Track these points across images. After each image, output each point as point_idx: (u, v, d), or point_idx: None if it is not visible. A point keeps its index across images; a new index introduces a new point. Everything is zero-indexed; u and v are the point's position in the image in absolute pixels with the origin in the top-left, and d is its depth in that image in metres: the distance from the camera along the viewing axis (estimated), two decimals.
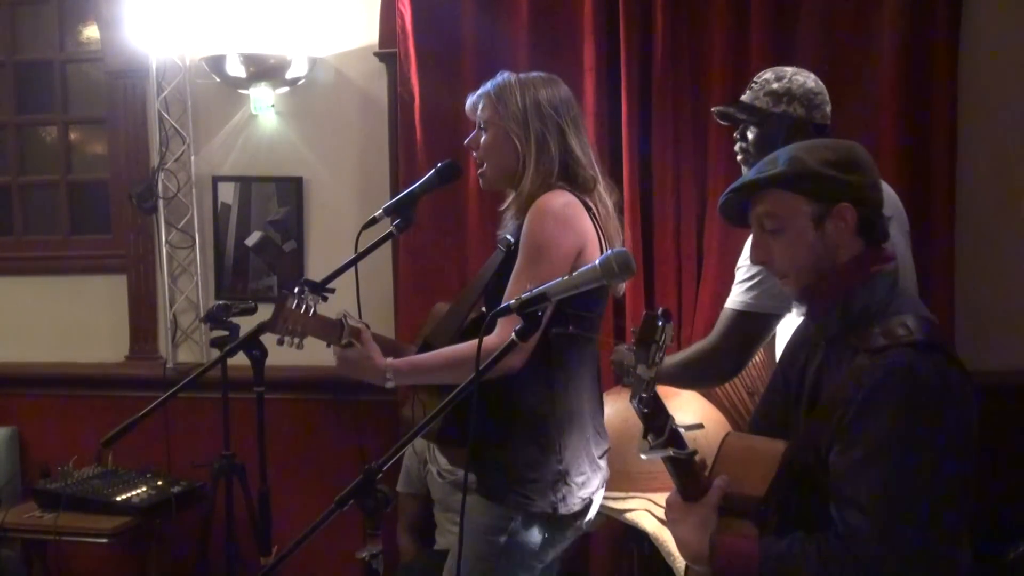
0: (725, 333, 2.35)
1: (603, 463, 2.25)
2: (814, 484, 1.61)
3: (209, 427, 3.31)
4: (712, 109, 2.52)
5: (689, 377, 2.49)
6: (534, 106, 2.19)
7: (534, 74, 2.27)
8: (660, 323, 1.53)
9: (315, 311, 2.16)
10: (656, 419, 1.60)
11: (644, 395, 1.57)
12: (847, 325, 1.66)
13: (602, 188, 2.25)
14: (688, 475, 1.67)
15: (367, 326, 2.21)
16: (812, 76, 2.40)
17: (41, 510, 3.49)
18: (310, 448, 3.69)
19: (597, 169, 2.26)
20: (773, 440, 1.73)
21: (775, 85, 2.36)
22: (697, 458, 1.68)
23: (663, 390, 2.59)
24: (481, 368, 1.72)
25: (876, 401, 1.54)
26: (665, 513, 1.74)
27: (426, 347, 2.28)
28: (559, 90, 2.24)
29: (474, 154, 2.29)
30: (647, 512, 2.48)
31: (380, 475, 1.64)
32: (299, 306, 2.14)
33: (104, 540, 3.37)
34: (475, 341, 2.08)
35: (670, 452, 1.61)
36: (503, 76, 2.25)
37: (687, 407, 2.62)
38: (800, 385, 1.77)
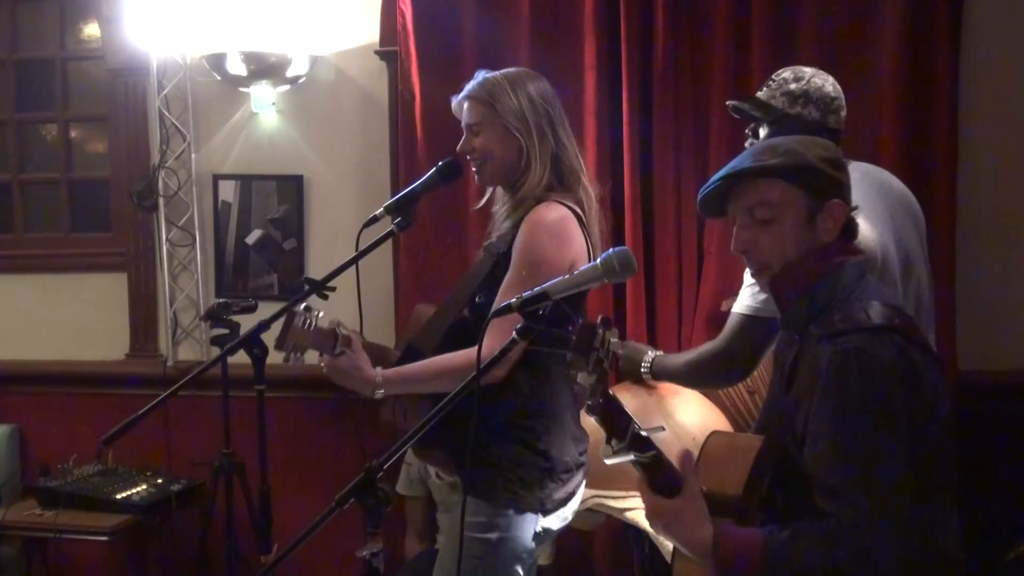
0: (733, 337, 2.35)
1: (584, 459, 2.29)
2: (792, 472, 1.63)
3: (209, 425, 3.30)
4: (728, 103, 2.51)
5: (698, 377, 2.51)
6: (528, 101, 2.20)
7: (514, 70, 2.28)
8: (599, 331, 1.56)
9: (315, 325, 2.17)
10: (617, 424, 1.60)
11: (590, 402, 1.58)
12: (813, 313, 1.69)
13: (586, 179, 2.26)
14: (657, 472, 1.67)
15: (358, 335, 2.22)
16: (831, 80, 2.38)
17: (41, 508, 3.50)
18: (311, 447, 3.69)
19: (581, 161, 2.27)
20: (755, 436, 1.74)
21: (792, 86, 2.34)
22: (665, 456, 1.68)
23: (666, 388, 2.63)
24: (482, 368, 1.73)
25: (834, 386, 1.57)
26: (654, 520, 1.67)
27: (410, 350, 2.29)
28: (544, 84, 2.26)
29: (468, 157, 2.28)
30: None
31: (380, 474, 1.64)
32: (305, 324, 2.15)
33: (104, 538, 3.37)
34: (463, 352, 2.15)
35: (631, 456, 1.61)
36: (486, 75, 2.25)
37: (688, 407, 2.62)
38: (789, 374, 1.79)
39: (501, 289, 2.14)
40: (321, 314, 2.19)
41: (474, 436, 1.87)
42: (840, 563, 1.52)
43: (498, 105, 2.20)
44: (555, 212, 2.15)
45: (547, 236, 2.12)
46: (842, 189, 1.73)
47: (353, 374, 2.19)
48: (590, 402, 1.58)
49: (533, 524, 2.18)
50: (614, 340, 1.58)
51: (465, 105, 2.25)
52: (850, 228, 1.75)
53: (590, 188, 2.26)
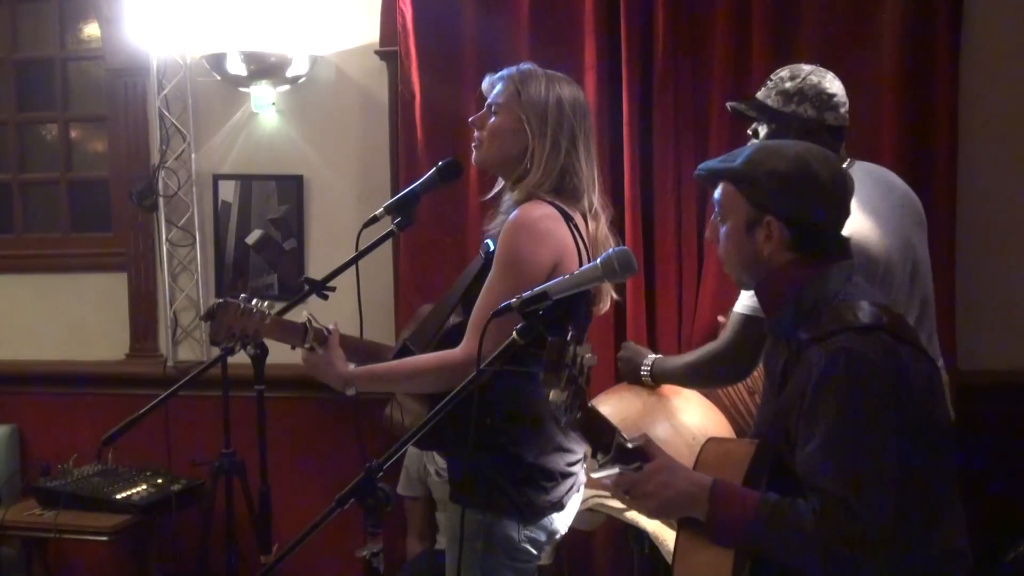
0: (733, 336, 2.35)
1: (576, 468, 2.20)
2: (788, 476, 1.63)
3: (209, 425, 3.31)
4: (728, 104, 2.51)
5: (699, 378, 2.51)
6: (556, 102, 2.14)
7: (559, 72, 2.23)
8: (570, 347, 1.54)
9: (270, 314, 2.17)
10: (600, 438, 1.59)
11: (565, 419, 1.57)
12: (800, 318, 1.70)
13: (596, 200, 2.19)
14: None
15: (329, 331, 2.20)
16: (829, 76, 2.37)
17: (41, 508, 3.50)
18: (310, 446, 3.69)
19: (597, 183, 2.21)
20: (750, 441, 1.74)
21: (788, 84, 2.33)
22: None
23: (668, 388, 2.63)
24: (480, 368, 1.72)
25: (825, 388, 1.58)
26: (645, 487, 1.65)
27: (404, 349, 2.27)
28: (580, 96, 2.21)
29: (475, 133, 2.23)
30: None
31: (380, 474, 1.64)
32: (244, 312, 2.15)
33: (104, 538, 3.37)
34: (434, 355, 2.13)
35: (618, 469, 1.60)
36: (529, 65, 2.21)
37: (689, 408, 2.62)
38: (780, 380, 1.79)
39: (483, 289, 2.10)
40: (272, 307, 2.19)
41: (471, 440, 1.86)
42: (829, 542, 1.52)
43: (523, 94, 2.14)
44: (538, 210, 2.10)
45: (525, 234, 2.07)
46: (783, 207, 1.69)
47: (325, 369, 2.18)
48: (565, 418, 1.57)
49: (514, 531, 2.11)
50: (588, 356, 1.56)
51: (500, 84, 2.20)
52: (815, 247, 1.71)
53: (600, 211, 2.20)
